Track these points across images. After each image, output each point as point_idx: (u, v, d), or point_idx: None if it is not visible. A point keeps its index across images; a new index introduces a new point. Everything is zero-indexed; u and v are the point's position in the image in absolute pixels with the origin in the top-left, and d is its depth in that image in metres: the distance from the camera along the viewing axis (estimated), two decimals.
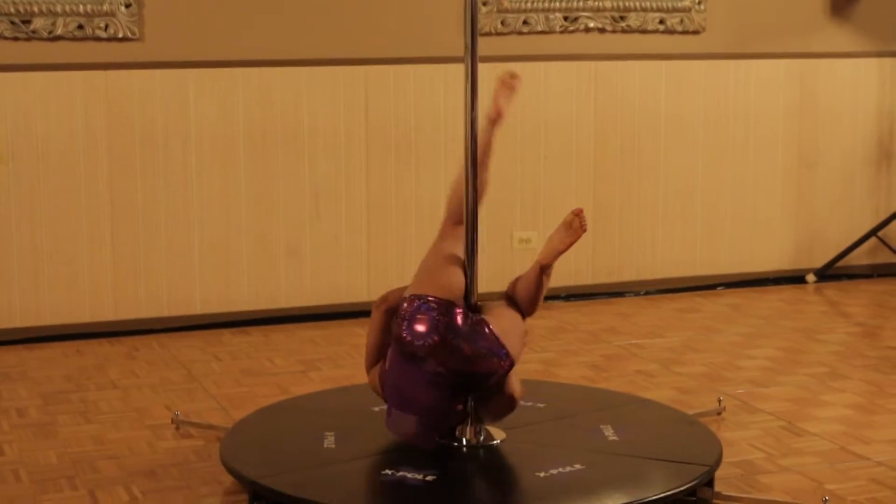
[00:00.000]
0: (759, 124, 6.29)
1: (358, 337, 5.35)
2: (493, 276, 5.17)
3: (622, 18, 6.02)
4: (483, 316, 3.64)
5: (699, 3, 6.11)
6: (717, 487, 3.62)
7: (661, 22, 6.08)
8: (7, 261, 5.28)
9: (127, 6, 5.32)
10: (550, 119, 5.95)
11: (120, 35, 5.33)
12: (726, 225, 6.31)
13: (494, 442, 3.77)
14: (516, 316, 3.71)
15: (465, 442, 3.75)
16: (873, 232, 6.40)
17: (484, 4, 5.78)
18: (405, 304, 3.63)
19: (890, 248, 6.43)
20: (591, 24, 5.98)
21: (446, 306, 3.60)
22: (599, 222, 6.05)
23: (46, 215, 5.31)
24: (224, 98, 5.47)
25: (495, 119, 3.81)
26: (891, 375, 4.83)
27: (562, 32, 5.94)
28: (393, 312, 3.71)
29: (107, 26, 5.31)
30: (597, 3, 5.96)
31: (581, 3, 5.94)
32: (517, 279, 3.76)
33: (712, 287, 6.31)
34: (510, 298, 3.75)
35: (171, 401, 4.55)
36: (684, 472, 3.57)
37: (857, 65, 6.42)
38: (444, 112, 5.72)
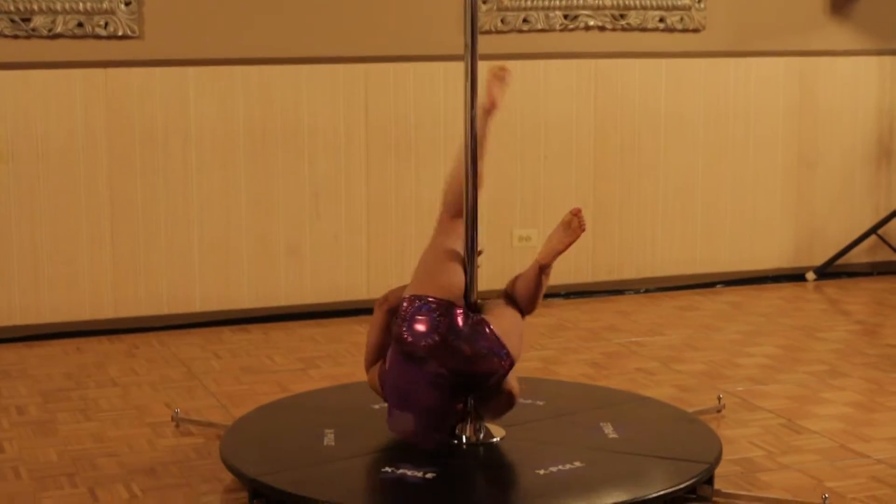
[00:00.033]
0: (758, 122, 6.29)
1: (358, 335, 5.35)
2: (492, 274, 5.17)
3: (622, 16, 6.02)
4: (483, 316, 3.65)
5: (699, 2, 6.11)
6: (717, 485, 3.62)
7: (661, 20, 6.08)
8: (7, 258, 5.28)
9: (127, 4, 5.32)
10: (550, 117, 5.95)
11: (120, 33, 5.33)
12: (726, 223, 6.31)
13: (494, 439, 3.77)
14: (516, 315, 3.71)
15: (464, 439, 3.75)
16: (873, 230, 6.40)
17: (484, 2, 5.78)
18: (405, 304, 3.63)
19: (890, 246, 6.44)
20: (591, 23, 5.98)
21: (446, 307, 3.60)
22: (599, 220, 6.05)
23: (46, 213, 5.31)
24: (224, 96, 5.47)
25: (490, 109, 3.82)
26: (890, 373, 4.83)
27: (562, 30, 5.94)
28: (394, 312, 3.71)
29: (107, 24, 5.31)
30: (597, 2, 5.96)
31: (581, 1, 5.94)
32: (516, 277, 3.76)
33: (712, 285, 6.31)
34: (509, 297, 3.75)
35: (171, 398, 4.55)
36: (684, 470, 3.57)
37: (857, 63, 6.42)
38: (444, 110, 5.72)
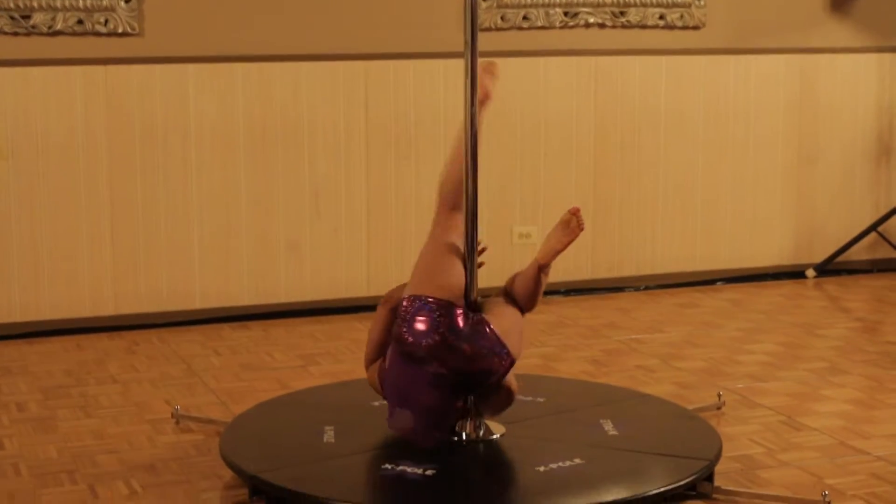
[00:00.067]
0: (759, 120, 6.29)
1: (358, 332, 5.35)
2: (492, 271, 5.15)
3: (622, 14, 6.02)
4: (484, 315, 3.65)
5: None
6: (717, 482, 3.62)
7: (661, 17, 6.08)
8: (7, 255, 5.28)
9: (126, 1, 5.32)
10: (550, 114, 5.94)
11: (120, 30, 5.33)
12: (726, 220, 6.31)
13: (494, 436, 3.78)
14: (516, 313, 3.71)
15: (464, 436, 3.75)
16: (873, 227, 6.40)
17: (484, 0, 5.78)
18: (405, 304, 3.63)
19: (890, 243, 6.44)
20: (591, 20, 5.98)
21: (446, 306, 3.60)
22: (599, 217, 6.05)
23: (46, 210, 5.31)
24: (224, 93, 5.47)
25: (483, 100, 3.83)
26: (890, 370, 4.83)
27: (562, 28, 5.94)
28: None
29: (106, 21, 5.31)
30: None
31: None
32: (515, 276, 3.77)
33: (712, 282, 6.31)
34: (509, 294, 3.76)
35: (171, 395, 4.55)
36: (684, 467, 3.57)
37: (857, 60, 6.42)
38: (444, 107, 5.72)
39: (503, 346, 3.60)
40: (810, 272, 6.44)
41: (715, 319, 5.64)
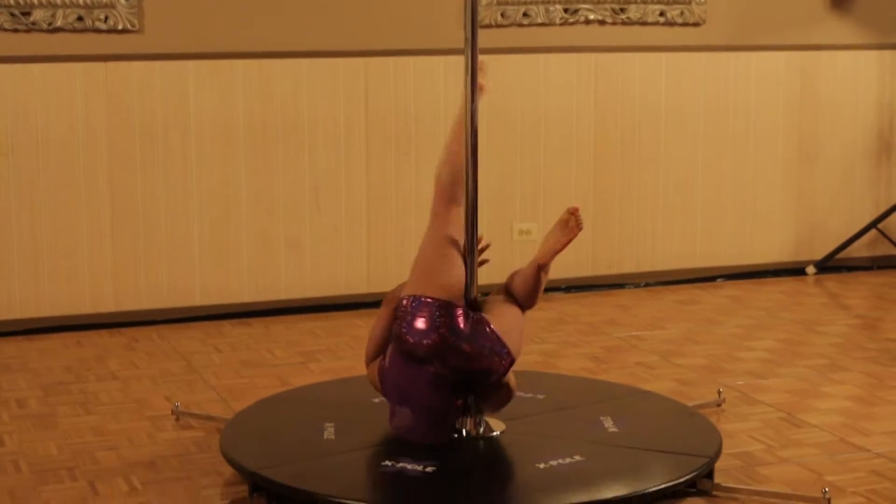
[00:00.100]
0: (759, 116, 6.29)
1: (358, 328, 5.35)
2: (492, 268, 5.15)
3: (622, 10, 6.01)
4: (484, 314, 3.65)
5: None
6: (717, 479, 3.62)
7: (662, 14, 6.08)
8: (7, 252, 5.28)
9: None
10: (550, 111, 5.94)
11: (120, 27, 5.33)
12: (726, 217, 6.31)
13: (494, 433, 3.78)
14: (516, 312, 3.71)
15: (464, 433, 3.75)
16: (873, 224, 6.40)
17: None
18: (405, 303, 3.63)
19: (890, 240, 6.43)
20: (592, 16, 5.97)
21: (446, 306, 3.60)
22: (599, 214, 6.05)
23: (46, 207, 5.31)
24: (224, 90, 5.46)
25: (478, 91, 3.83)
26: (890, 367, 4.83)
27: (562, 24, 5.94)
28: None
29: (106, 18, 5.31)
30: None
31: None
32: (514, 274, 3.77)
33: (712, 279, 6.31)
34: (508, 292, 3.76)
35: (171, 392, 4.55)
36: (684, 464, 3.57)
37: (858, 57, 6.41)
38: (444, 104, 5.71)
39: (503, 345, 3.60)
40: (810, 269, 6.44)
41: (715, 316, 5.64)
